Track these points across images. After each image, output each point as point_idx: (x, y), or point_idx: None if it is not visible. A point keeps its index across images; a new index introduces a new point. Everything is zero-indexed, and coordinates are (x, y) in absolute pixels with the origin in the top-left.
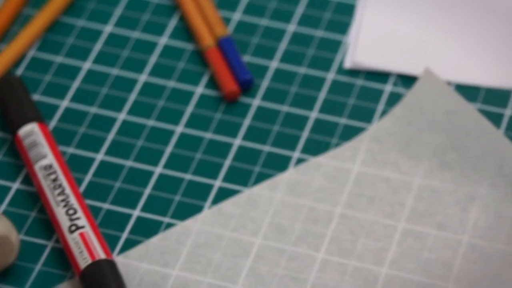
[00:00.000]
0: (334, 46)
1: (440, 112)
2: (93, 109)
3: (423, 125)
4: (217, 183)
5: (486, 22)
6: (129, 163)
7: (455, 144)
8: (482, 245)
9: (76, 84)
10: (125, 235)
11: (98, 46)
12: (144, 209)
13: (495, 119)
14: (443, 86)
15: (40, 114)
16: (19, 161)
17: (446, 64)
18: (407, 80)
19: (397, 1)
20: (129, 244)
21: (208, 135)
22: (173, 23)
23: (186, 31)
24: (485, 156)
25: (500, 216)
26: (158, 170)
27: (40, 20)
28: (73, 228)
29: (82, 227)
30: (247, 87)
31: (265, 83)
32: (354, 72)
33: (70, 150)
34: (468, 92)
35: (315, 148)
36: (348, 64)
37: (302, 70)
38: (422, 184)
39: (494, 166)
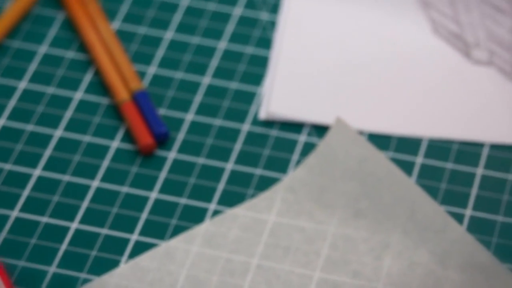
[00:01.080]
0: (248, 98)
1: (352, 161)
2: (8, 166)
3: (336, 174)
4: (134, 237)
5: (397, 73)
6: (44, 219)
7: (368, 192)
8: None
9: None
10: None
11: (12, 103)
12: (60, 265)
13: (407, 167)
14: (354, 135)
15: None
16: None
17: (359, 114)
18: (321, 130)
19: (309, 52)
20: None
21: (124, 189)
22: (88, 77)
23: (101, 85)
24: (397, 204)
25: (413, 262)
26: (74, 225)
27: None
28: None
29: None
30: (163, 140)
31: (180, 136)
32: (269, 123)
33: None
34: (380, 140)
35: (231, 199)
36: (262, 115)
37: (218, 122)
38: (336, 232)
39: (406, 213)
